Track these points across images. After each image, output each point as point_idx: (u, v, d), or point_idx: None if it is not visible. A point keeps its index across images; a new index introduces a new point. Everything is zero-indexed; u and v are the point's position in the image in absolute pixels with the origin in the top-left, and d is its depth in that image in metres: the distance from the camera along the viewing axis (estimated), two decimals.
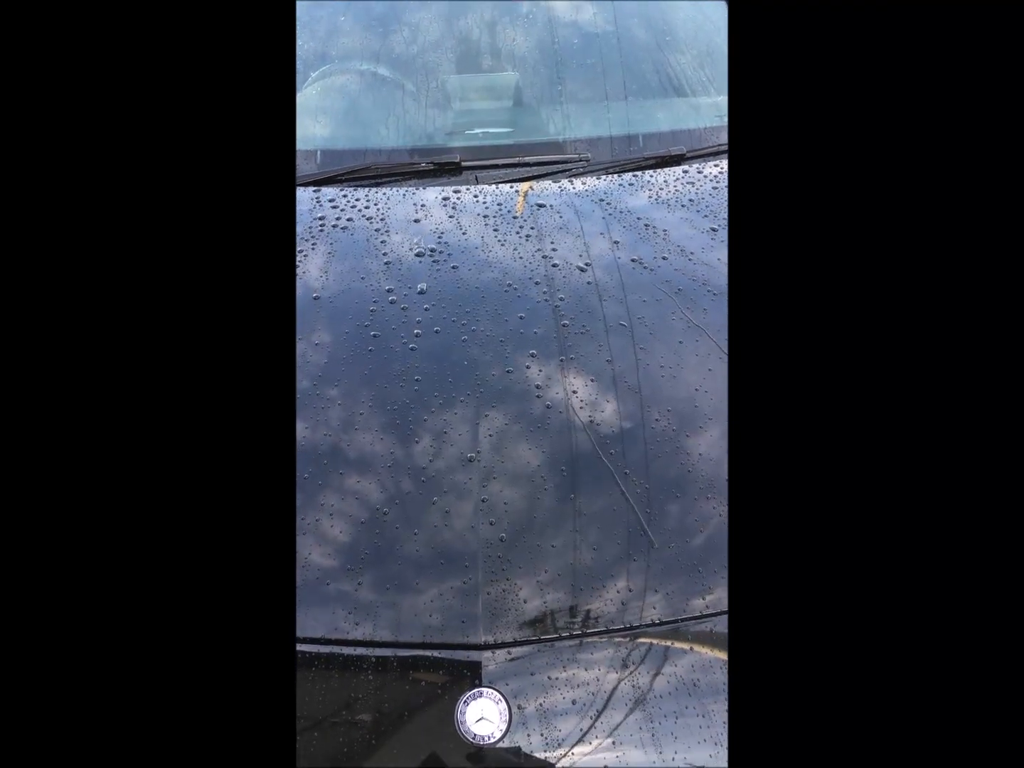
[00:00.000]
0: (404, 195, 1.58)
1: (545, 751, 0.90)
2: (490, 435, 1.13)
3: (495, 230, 1.47)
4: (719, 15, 2.02)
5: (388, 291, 1.34)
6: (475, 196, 1.56)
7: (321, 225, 1.49)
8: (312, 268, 1.39)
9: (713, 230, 1.47)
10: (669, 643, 0.97)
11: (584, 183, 1.60)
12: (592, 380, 1.20)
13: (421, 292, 1.34)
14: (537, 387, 1.19)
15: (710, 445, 1.13)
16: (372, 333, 1.27)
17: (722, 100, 1.84)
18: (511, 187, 1.60)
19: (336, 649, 0.96)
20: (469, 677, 0.93)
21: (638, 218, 1.50)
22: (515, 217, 1.50)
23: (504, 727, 0.90)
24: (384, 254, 1.42)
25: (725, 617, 0.98)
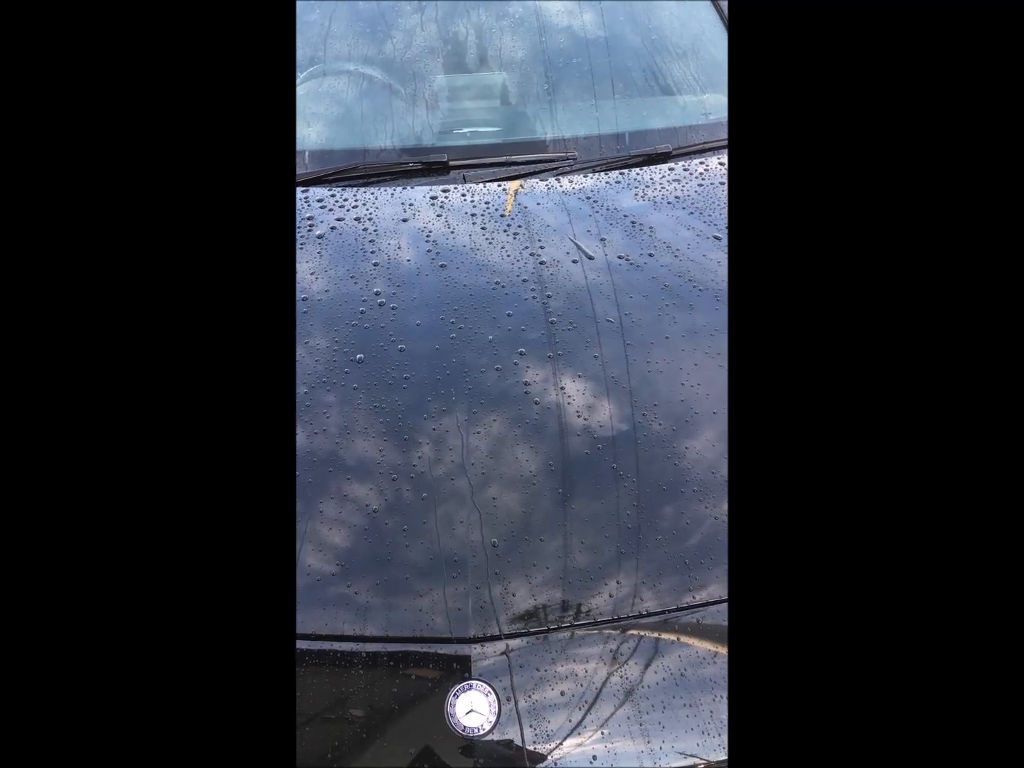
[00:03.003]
0: (392, 195, 1.59)
1: (535, 743, 0.90)
2: (479, 433, 1.14)
3: (483, 228, 1.48)
4: (705, 14, 2.03)
5: (376, 292, 1.35)
6: (463, 195, 1.57)
7: (309, 225, 1.50)
8: (301, 269, 1.40)
9: (699, 227, 1.48)
10: (657, 635, 0.98)
11: (571, 181, 1.61)
12: (580, 377, 1.21)
13: (409, 292, 1.35)
14: (526, 384, 1.20)
15: (699, 439, 1.14)
16: (361, 334, 1.28)
17: (707, 98, 1.85)
18: (498, 186, 1.61)
19: (327, 645, 0.97)
20: (459, 670, 0.94)
21: (625, 216, 1.51)
22: (502, 215, 1.51)
23: (494, 719, 0.91)
24: (372, 253, 1.43)
25: (713, 608, 0.99)
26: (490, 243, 1.44)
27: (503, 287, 1.35)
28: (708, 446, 1.13)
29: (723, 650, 0.97)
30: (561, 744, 0.90)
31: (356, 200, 1.56)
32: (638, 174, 1.63)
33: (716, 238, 1.45)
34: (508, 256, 1.41)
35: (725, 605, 0.99)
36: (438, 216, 1.51)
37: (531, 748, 0.90)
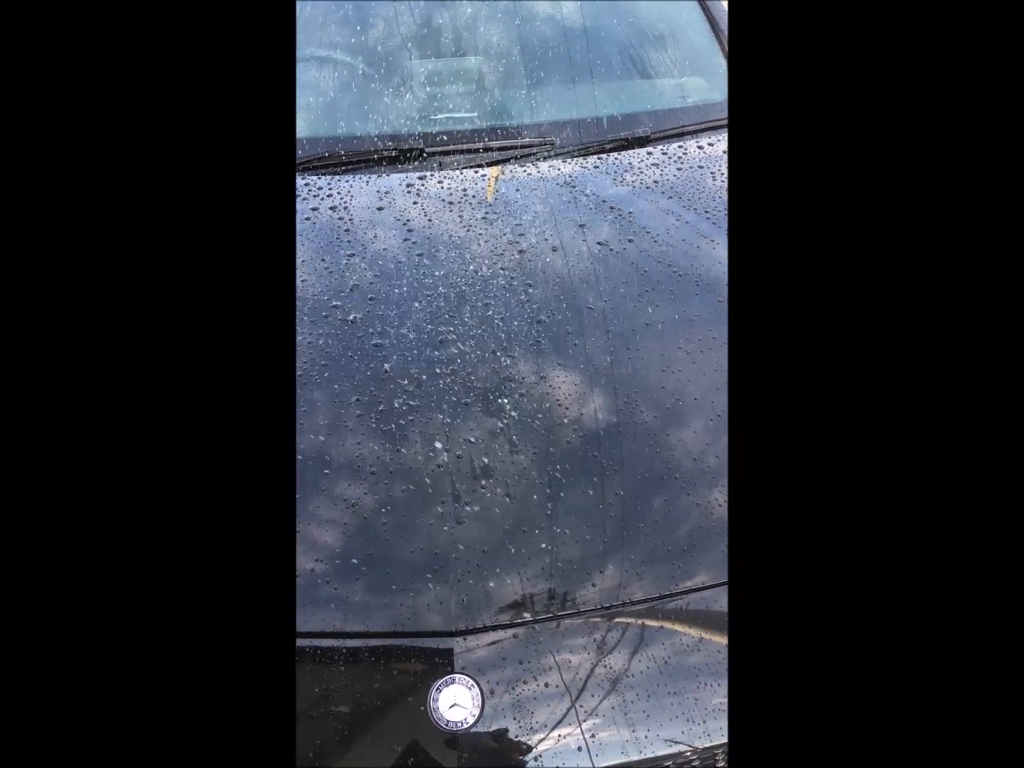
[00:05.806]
0: (368, 183, 1.56)
1: (519, 735, 0.90)
2: (461, 425, 1.13)
3: (461, 216, 1.46)
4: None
5: (353, 285, 1.33)
6: (440, 182, 1.55)
7: None
8: None
9: (679, 212, 1.46)
10: (640, 623, 0.97)
11: (550, 167, 1.60)
12: (563, 366, 1.20)
13: (387, 283, 1.33)
14: (508, 374, 1.19)
15: (685, 427, 1.14)
16: (337, 326, 1.26)
17: (686, 81, 1.84)
18: (475, 172, 1.58)
19: (309, 641, 0.95)
20: (441, 664, 0.93)
21: (603, 201, 1.49)
22: (480, 203, 1.49)
23: (477, 712, 0.90)
24: (348, 242, 1.41)
25: (696, 595, 0.99)
26: (468, 231, 1.42)
27: (482, 276, 1.34)
28: (692, 434, 1.12)
29: (707, 636, 0.97)
30: (546, 736, 0.90)
31: (331, 189, 1.54)
32: (617, 159, 1.62)
33: (696, 222, 1.44)
34: (487, 244, 1.40)
35: (709, 592, 0.99)
36: (414, 204, 1.49)
37: (516, 741, 0.90)
